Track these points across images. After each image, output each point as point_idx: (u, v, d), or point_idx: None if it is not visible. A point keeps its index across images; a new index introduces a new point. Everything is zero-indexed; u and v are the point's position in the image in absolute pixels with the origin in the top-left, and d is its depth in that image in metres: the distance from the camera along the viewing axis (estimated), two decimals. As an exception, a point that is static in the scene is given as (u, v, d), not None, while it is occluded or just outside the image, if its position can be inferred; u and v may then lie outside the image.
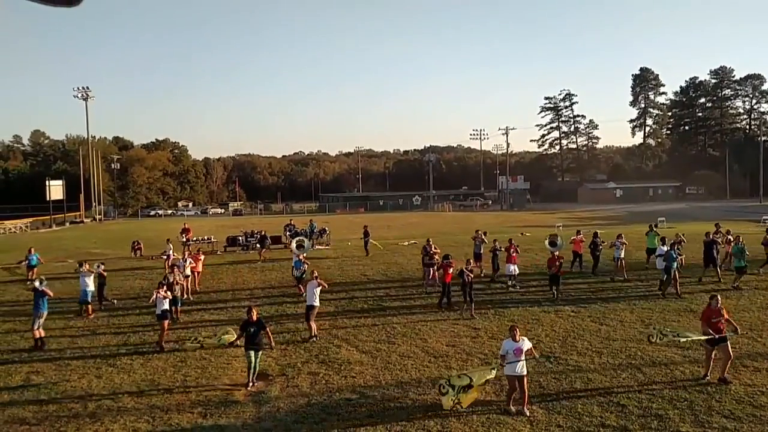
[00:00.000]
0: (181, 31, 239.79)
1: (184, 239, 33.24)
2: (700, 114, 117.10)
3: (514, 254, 20.97)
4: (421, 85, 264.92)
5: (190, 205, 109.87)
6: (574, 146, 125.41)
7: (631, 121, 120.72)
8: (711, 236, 21.01)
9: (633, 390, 10.77)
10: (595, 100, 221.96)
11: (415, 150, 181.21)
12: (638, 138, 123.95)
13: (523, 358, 10.00)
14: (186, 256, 21.35)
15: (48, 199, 68.26)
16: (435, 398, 10.60)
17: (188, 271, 19.90)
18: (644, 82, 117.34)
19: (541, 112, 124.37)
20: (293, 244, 22.96)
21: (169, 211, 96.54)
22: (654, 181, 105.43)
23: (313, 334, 14.74)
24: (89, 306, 17.83)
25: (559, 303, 17.92)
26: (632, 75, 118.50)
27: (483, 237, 23.95)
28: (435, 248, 21.35)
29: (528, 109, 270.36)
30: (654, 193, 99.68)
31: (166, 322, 14.56)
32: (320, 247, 33.54)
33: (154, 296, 14.78)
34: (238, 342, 12.76)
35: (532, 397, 10.45)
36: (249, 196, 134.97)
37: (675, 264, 18.81)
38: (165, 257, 24.62)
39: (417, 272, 23.72)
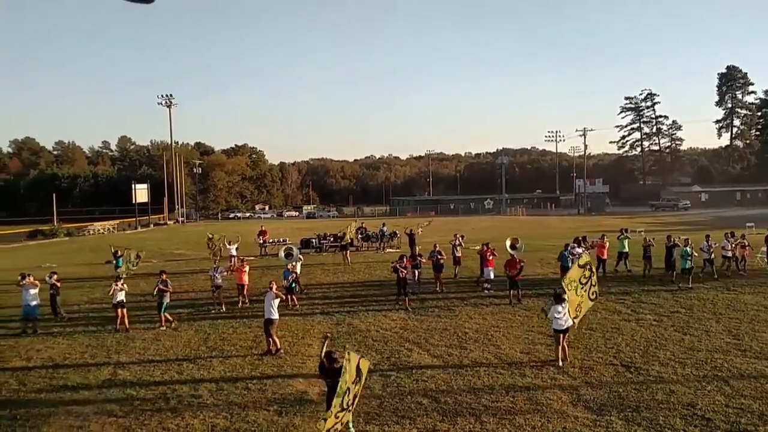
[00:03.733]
0: (257, 39, 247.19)
1: (261, 241, 34.39)
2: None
3: (491, 258, 20.78)
4: (495, 87, 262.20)
5: (267, 207, 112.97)
6: (657, 148, 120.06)
7: (717, 121, 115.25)
8: (673, 240, 21.74)
9: (719, 403, 10.21)
10: (679, 100, 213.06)
11: (487, 153, 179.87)
12: (725, 139, 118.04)
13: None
14: (217, 265, 21.14)
15: (134, 201, 71.91)
16: (509, 405, 10.45)
17: (219, 281, 19.35)
18: (731, 80, 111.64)
19: (621, 112, 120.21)
20: (281, 253, 21.98)
21: (248, 214, 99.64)
22: (742, 185, 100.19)
23: (278, 347, 13.98)
24: (36, 321, 16.84)
25: (518, 307, 18.05)
26: (718, 74, 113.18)
27: (460, 240, 24.48)
28: (443, 254, 21.93)
29: (607, 110, 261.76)
30: (742, 197, 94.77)
31: (120, 310, 16.65)
32: (391, 250, 33.80)
33: (113, 289, 16.81)
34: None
35: (610, 407, 10.21)
36: (322, 200, 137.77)
37: (570, 264, 19.48)
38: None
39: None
